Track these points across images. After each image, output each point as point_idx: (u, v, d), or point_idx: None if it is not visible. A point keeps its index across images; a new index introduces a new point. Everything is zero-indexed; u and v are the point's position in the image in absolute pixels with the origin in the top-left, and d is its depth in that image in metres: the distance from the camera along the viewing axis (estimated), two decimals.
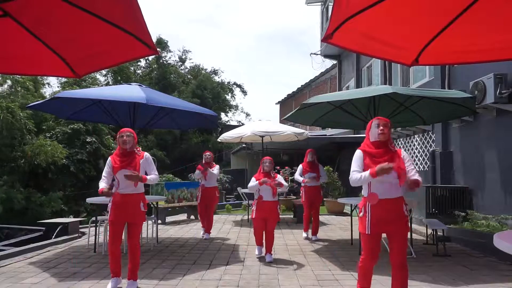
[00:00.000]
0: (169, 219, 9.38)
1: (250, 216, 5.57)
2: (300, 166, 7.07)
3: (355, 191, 12.80)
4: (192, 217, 9.79)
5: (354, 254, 5.73)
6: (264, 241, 5.45)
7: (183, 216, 9.92)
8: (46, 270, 4.88)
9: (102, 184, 4.10)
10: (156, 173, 4.32)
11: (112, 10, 2.26)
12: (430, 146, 8.92)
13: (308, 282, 4.38)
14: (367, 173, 3.14)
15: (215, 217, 10.04)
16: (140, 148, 4.29)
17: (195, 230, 8.09)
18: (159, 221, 8.21)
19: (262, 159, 5.47)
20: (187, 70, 32.55)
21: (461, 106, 5.93)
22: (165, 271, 4.85)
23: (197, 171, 7.23)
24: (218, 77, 33.67)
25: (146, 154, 4.28)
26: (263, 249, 5.51)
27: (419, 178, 3.26)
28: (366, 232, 3.21)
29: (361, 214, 3.31)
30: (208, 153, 7.31)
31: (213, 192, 7.16)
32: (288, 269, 4.96)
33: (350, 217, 6.41)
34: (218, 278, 4.53)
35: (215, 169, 7.17)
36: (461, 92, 5.85)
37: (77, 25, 2.44)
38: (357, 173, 3.25)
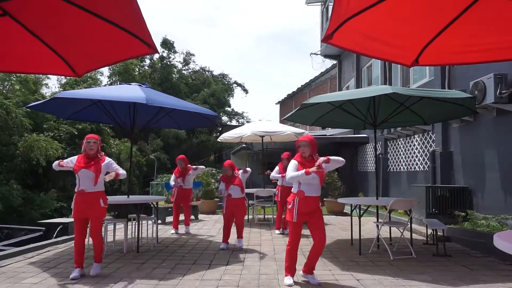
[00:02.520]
0: (169, 219, 9.37)
1: (222, 212, 6.25)
2: (277, 167, 7.53)
3: (355, 191, 12.82)
4: (192, 217, 9.79)
5: (354, 254, 5.73)
6: (236, 232, 6.32)
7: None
8: (46, 270, 4.88)
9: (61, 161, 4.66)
10: (122, 170, 4.81)
11: (111, 9, 2.26)
12: (430, 146, 8.91)
13: (308, 282, 4.38)
14: (302, 172, 4.14)
15: (215, 217, 10.07)
16: (104, 153, 4.79)
17: (195, 230, 8.09)
18: (159, 221, 8.21)
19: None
20: (190, 71, 32.43)
21: (461, 106, 5.93)
22: (165, 271, 4.85)
23: (173, 177, 7.76)
24: (226, 80, 33.64)
25: (108, 158, 4.76)
26: (228, 245, 6.25)
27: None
28: (293, 221, 4.19)
29: (289, 206, 4.27)
30: (181, 158, 7.78)
31: (187, 193, 7.78)
32: None
33: (350, 217, 6.41)
34: (218, 278, 4.53)
35: (195, 171, 7.83)
36: (461, 92, 5.84)
37: (77, 24, 2.44)
38: (293, 172, 4.22)
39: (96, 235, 4.61)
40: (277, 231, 7.63)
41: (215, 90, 29.67)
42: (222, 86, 31.18)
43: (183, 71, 31.66)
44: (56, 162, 4.59)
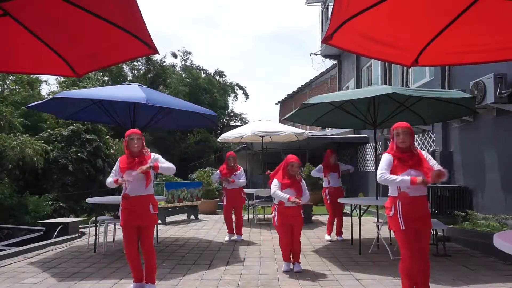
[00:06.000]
0: (169, 219, 9.38)
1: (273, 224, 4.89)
2: (320, 166, 7.08)
3: (355, 191, 12.81)
4: (192, 217, 9.79)
5: (354, 254, 5.73)
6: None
7: (183, 216, 9.91)
8: (46, 270, 4.88)
9: (112, 178, 4.09)
10: (167, 163, 4.18)
11: (111, 10, 2.27)
12: (430, 146, 8.92)
13: (308, 282, 4.38)
14: (407, 178, 3.30)
15: (215, 217, 10.07)
16: (149, 149, 4.18)
17: (195, 230, 8.09)
18: (159, 221, 8.21)
19: (288, 160, 4.77)
20: (186, 70, 31.78)
21: (461, 106, 5.93)
22: (165, 271, 4.85)
23: (217, 173, 7.08)
24: (223, 79, 33.00)
25: (154, 154, 4.16)
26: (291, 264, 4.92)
27: (442, 169, 3.36)
28: (401, 228, 3.33)
29: (391, 213, 3.43)
30: (232, 155, 7.10)
31: (238, 194, 6.98)
32: None
33: (350, 217, 6.41)
34: (218, 278, 4.54)
35: (241, 173, 7.01)
36: (461, 92, 5.85)
37: (77, 24, 2.44)
38: (387, 173, 3.42)
39: (147, 246, 3.99)
40: (327, 237, 6.95)
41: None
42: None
43: (180, 71, 31.00)
44: (111, 180, 4.08)
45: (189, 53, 31.81)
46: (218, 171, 7.14)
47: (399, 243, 3.45)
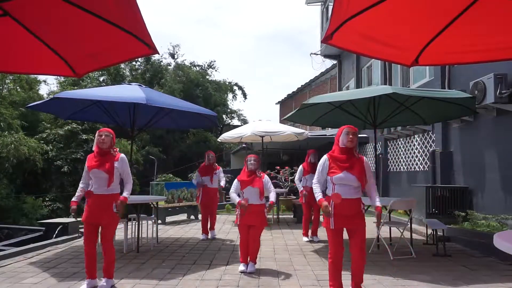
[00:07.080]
0: (169, 219, 9.38)
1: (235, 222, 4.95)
2: (301, 167, 6.97)
3: None
4: (192, 217, 9.80)
5: None
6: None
7: (183, 216, 9.92)
8: (46, 270, 4.88)
9: (76, 196, 4.23)
10: (130, 179, 4.31)
11: (111, 10, 2.26)
12: (430, 146, 8.91)
13: (308, 282, 4.38)
14: (319, 197, 3.70)
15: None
16: (118, 149, 4.32)
17: (195, 230, 8.09)
18: (159, 221, 8.21)
19: (246, 157, 4.92)
20: (178, 67, 31.20)
21: (461, 106, 5.94)
22: (165, 271, 4.85)
23: (197, 174, 7.28)
24: (216, 71, 32.29)
25: (122, 155, 4.26)
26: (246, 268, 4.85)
27: (379, 204, 3.82)
28: (331, 227, 3.63)
29: None
30: (211, 154, 7.34)
31: (214, 193, 7.22)
32: (288, 269, 4.96)
33: None
34: (218, 278, 4.54)
35: (220, 173, 7.24)
36: (461, 92, 5.85)
37: (77, 24, 2.44)
38: (316, 187, 3.76)
39: (107, 244, 4.06)
40: (304, 239, 6.89)
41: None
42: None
43: (173, 69, 30.60)
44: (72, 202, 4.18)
45: (177, 45, 31.11)
46: (197, 173, 7.31)
47: (328, 240, 3.75)
